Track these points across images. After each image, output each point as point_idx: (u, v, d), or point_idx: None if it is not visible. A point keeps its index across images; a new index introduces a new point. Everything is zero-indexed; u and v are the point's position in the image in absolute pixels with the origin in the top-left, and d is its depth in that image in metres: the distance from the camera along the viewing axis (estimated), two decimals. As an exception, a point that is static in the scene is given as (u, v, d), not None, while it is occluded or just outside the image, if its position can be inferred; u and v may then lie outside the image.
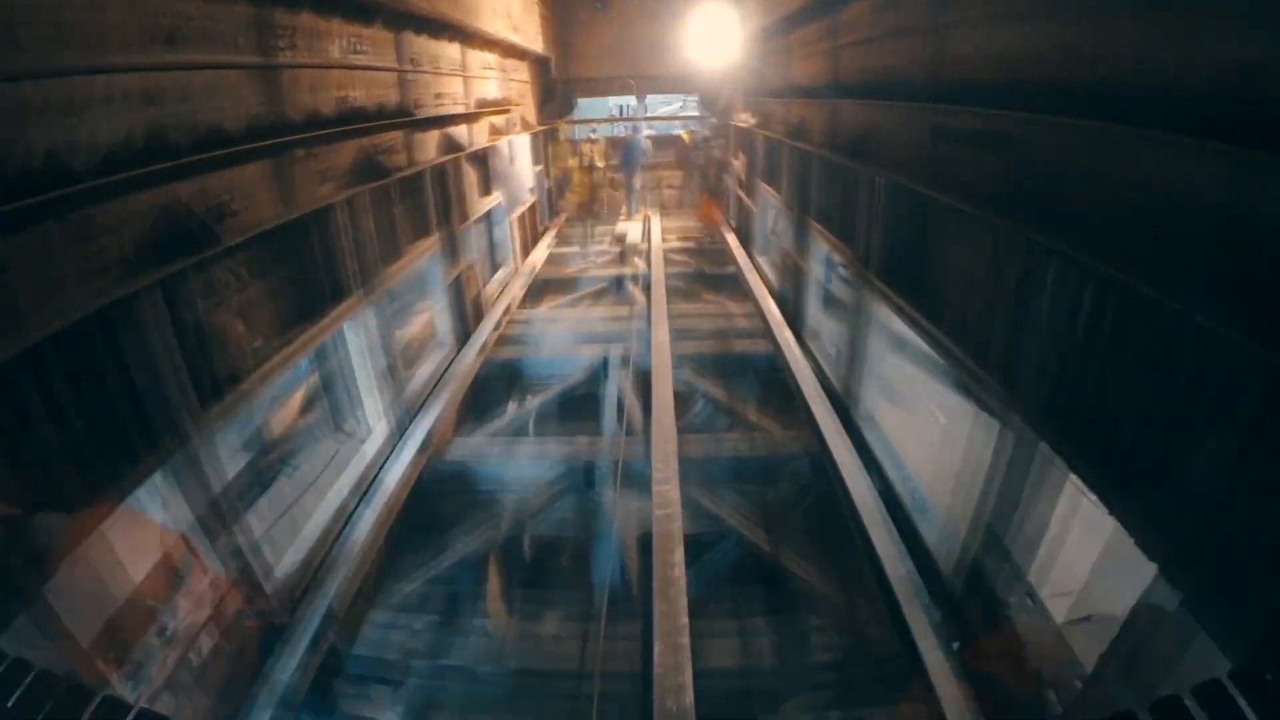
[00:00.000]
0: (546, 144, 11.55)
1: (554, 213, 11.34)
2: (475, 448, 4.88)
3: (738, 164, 9.72)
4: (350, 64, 4.57)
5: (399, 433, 4.84)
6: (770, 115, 7.99)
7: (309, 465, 4.41)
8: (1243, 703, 1.09)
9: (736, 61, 9.98)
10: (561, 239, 10.68)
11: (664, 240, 10.02)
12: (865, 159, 4.33)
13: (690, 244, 9.90)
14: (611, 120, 14.32)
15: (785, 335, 6.02)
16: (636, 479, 4.48)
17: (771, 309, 6.67)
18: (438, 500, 4.80)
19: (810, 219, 5.84)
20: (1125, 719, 1.16)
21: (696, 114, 14.71)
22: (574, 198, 11.73)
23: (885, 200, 3.95)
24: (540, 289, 8.55)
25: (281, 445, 4.29)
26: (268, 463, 4.14)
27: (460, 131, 7.04)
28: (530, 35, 10.01)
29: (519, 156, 9.38)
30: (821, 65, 5.64)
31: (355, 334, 4.43)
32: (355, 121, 4.52)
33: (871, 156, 4.24)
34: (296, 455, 4.32)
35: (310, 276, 3.94)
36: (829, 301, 5.92)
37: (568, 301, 8.14)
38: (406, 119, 5.35)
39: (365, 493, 4.30)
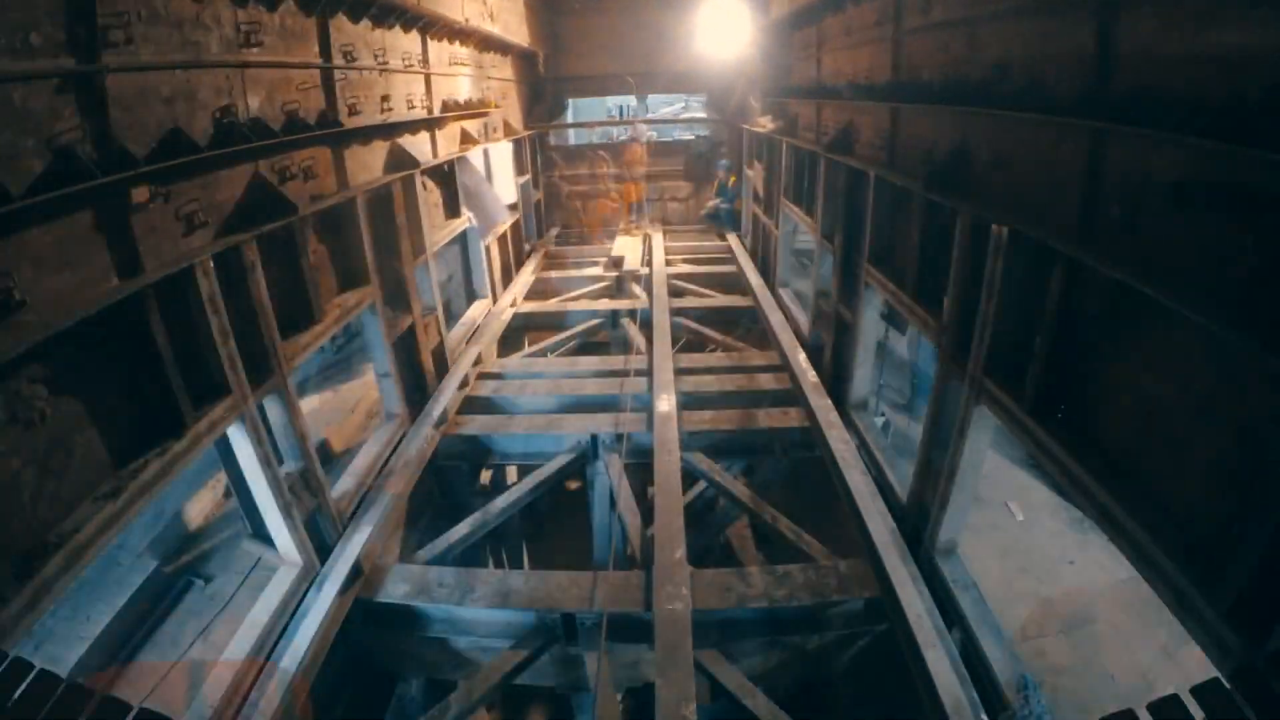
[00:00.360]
0: (534, 150, 10.27)
1: (542, 231, 10.06)
2: (420, 581, 3.62)
3: (752, 174, 8.45)
4: (242, 61, 3.31)
5: (320, 559, 3.59)
6: (795, 119, 6.72)
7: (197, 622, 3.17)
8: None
9: (752, 56, 8.70)
10: (551, 261, 9.40)
11: (667, 262, 8.75)
12: (964, 193, 3.07)
13: (698, 269, 8.62)
14: (609, 123, 12.96)
15: (823, 405, 4.76)
16: (632, 631, 3.25)
17: (802, 364, 5.40)
18: (371, 651, 3.56)
19: (861, 261, 4.56)
20: (1125, 718, 1.19)
21: (703, 115, 13.46)
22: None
23: (1008, 261, 2.68)
24: (520, 329, 7.28)
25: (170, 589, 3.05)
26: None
27: (417, 142, 5.77)
28: (512, 26, 8.73)
29: (499, 167, 8.11)
30: (876, 57, 4.37)
31: (245, 440, 3.16)
32: (250, 139, 3.25)
33: (978, 191, 2.98)
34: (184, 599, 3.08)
35: (155, 380, 2.67)
36: (888, 368, 4.66)
37: (552, 345, 6.88)
38: (332, 131, 4.08)
39: (271, 650, 3.07)
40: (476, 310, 7.28)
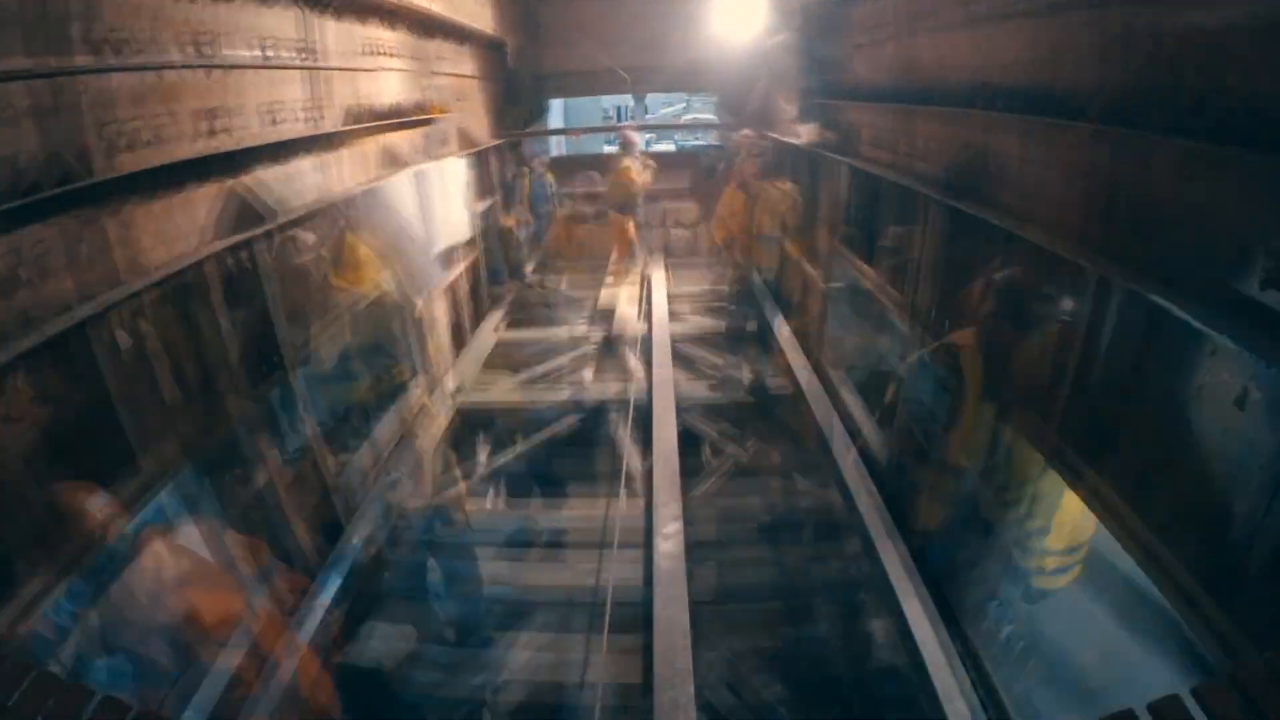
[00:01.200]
0: (505, 165, 8.36)
1: (513, 270, 8.13)
2: None
3: (780, 196, 6.54)
4: None
5: None
6: (854, 132, 4.82)
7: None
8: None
9: (781, 44, 6.78)
10: (519, 312, 7.47)
11: (672, 313, 6.84)
12: None
13: (716, 327, 6.69)
14: (599, 129, 10.86)
15: (919, 616, 2.86)
16: None
17: (875, 516, 3.49)
18: None
19: (1018, 413, 2.65)
20: (1125, 718, 1.14)
21: (712, 119, 11.58)
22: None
23: None
24: (465, 434, 5.36)
25: None
26: None
27: (287, 176, 3.87)
28: (470, 8, 6.84)
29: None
30: (1054, 39, 2.48)
31: None
32: None
33: None
34: None
35: None
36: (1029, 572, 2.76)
37: (506, 468, 4.97)
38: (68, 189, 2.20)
39: None
40: (398, 410, 5.35)
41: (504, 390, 5.87)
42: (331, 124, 4.44)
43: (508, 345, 6.71)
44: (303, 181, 4.16)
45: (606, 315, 6.69)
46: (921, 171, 3.76)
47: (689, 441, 4.97)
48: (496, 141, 8.07)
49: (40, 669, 1.34)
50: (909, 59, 4.04)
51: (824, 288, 5.15)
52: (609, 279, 7.59)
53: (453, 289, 6.49)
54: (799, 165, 6.32)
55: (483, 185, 7.50)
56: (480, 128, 7.78)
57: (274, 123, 3.75)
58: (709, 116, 19.47)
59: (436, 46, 6.45)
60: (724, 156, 8.49)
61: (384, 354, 5.29)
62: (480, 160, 7.38)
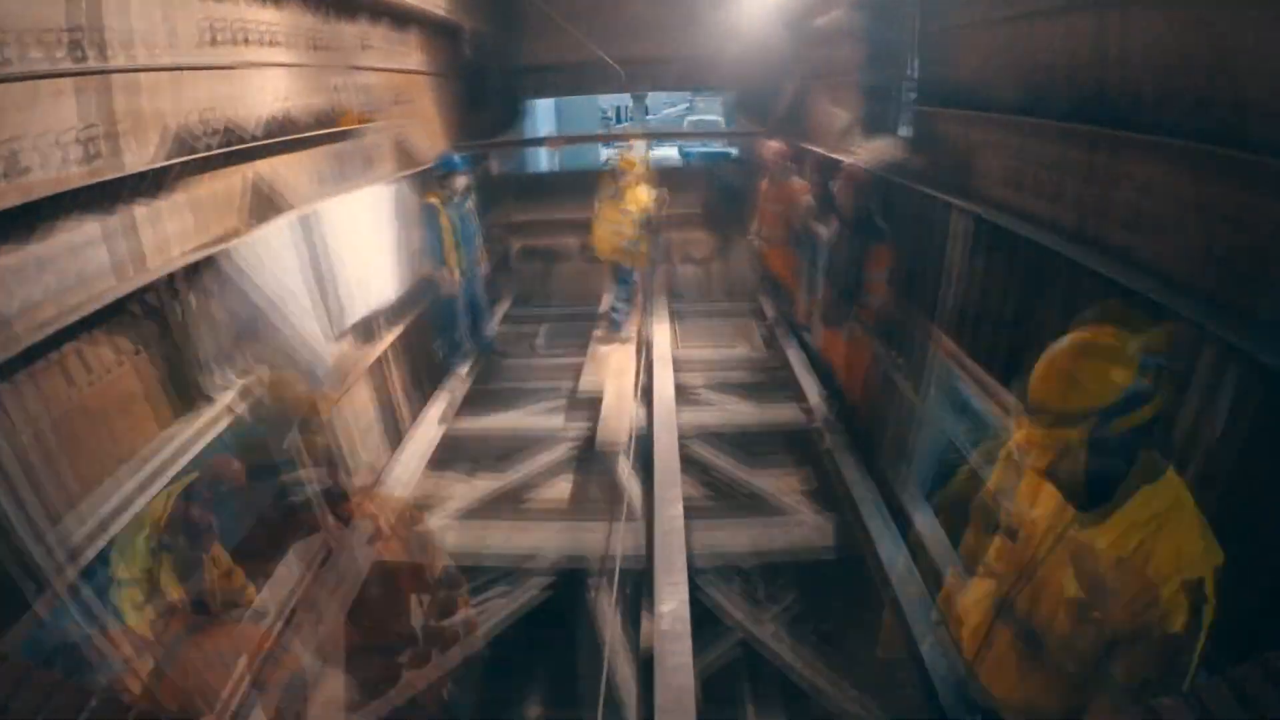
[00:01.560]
0: (467, 185, 6.65)
1: (474, 329, 6.44)
2: None
3: (825, 238, 4.83)
4: None
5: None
6: (967, 156, 3.14)
7: None
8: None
9: (827, 29, 5.09)
10: (482, 384, 5.77)
11: (680, 391, 5.16)
12: None
13: (745, 419, 4.99)
14: (582, 139, 8.96)
15: None
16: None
17: None
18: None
19: None
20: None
21: (719, 121, 9.91)
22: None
23: None
24: (385, 595, 3.67)
25: None
26: None
27: (24, 265, 2.18)
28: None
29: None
30: None
31: None
32: None
33: None
34: None
35: None
36: None
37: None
38: None
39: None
40: (306, 551, 3.67)
41: (445, 521, 4.19)
42: (140, 159, 2.76)
43: (459, 440, 5.02)
44: (77, 264, 2.50)
45: (591, 397, 5.00)
46: (1134, 251, 2.11)
47: (708, 626, 3.34)
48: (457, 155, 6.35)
49: (40, 669, 1.41)
50: (1099, 48, 2.35)
51: (916, 404, 3.45)
52: (598, 342, 5.86)
53: (380, 365, 4.80)
54: (858, 194, 4.62)
55: (430, 217, 5.78)
56: (431, 138, 6.09)
57: (11, 172, 2.10)
58: (714, 118, 17.68)
59: (359, 31, 4.76)
60: (744, 171, 6.77)
61: (259, 491, 3.60)
62: (420, 183, 5.67)
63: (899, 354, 3.86)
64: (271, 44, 3.76)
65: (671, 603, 3.24)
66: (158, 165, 2.81)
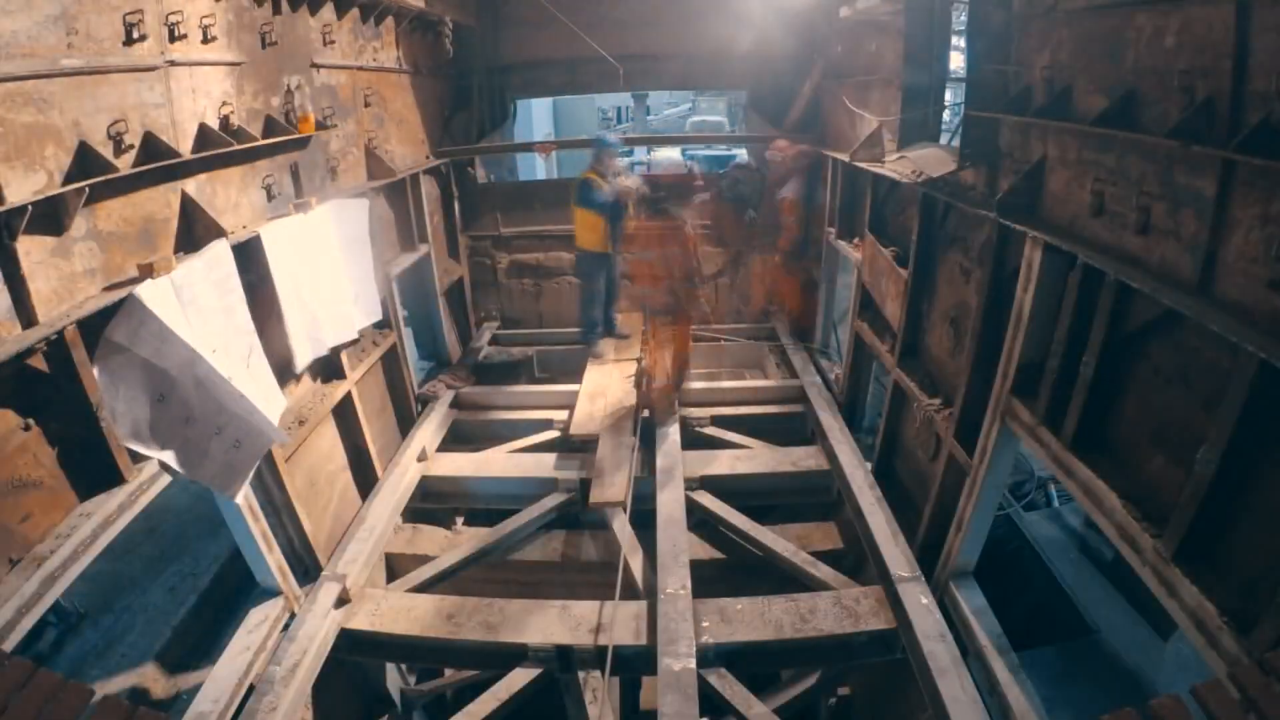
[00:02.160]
0: (449, 196, 6.18)
1: (464, 341, 5.94)
2: None
3: (868, 268, 4.38)
4: None
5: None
6: (1038, 178, 2.67)
7: None
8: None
9: (858, 20, 4.61)
10: (463, 424, 5.28)
11: (687, 442, 4.71)
12: None
13: (759, 464, 4.50)
14: (573, 143, 8.28)
15: None
16: None
17: None
18: None
19: None
20: (1125, 718, 1.20)
21: (723, 122, 9.47)
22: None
23: None
24: (345, 691, 3.23)
25: None
26: None
27: None
28: (375, -35, 4.68)
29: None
30: None
31: None
32: None
33: None
34: None
35: None
36: None
37: None
38: None
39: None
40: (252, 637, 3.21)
41: (419, 590, 3.72)
42: (26, 188, 2.29)
43: (438, 485, 4.54)
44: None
45: (586, 441, 4.50)
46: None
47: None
48: (434, 163, 5.87)
49: (40, 669, 1.37)
50: (1234, 47, 1.87)
51: (977, 483, 2.96)
52: (588, 376, 5.33)
53: (348, 403, 4.31)
54: (897, 205, 4.14)
55: (404, 231, 5.30)
56: (408, 144, 5.61)
57: None
58: (717, 118, 17.12)
59: (321, 23, 4.26)
60: (756, 180, 6.29)
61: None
62: (398, 194, 5.19)
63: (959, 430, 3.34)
64: (208, 40, 3.27)
65: (677, 700, 2.79)
66: (49, 194, 2.33)
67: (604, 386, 5.10)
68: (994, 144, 2.99)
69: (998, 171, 3.02)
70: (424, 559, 4.23)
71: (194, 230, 3.16)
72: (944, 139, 4.34)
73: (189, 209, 3.13)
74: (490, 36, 6.65)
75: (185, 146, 3.13)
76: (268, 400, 3.23)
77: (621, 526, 3.95)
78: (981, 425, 3.00)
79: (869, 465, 4.38)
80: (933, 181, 3.30)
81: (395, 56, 5.44)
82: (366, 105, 4.87)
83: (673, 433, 4.62)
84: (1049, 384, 2.57)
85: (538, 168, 10.43)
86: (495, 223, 6.47)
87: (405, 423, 5.15)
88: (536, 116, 12.67)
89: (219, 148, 3.23)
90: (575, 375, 5.60)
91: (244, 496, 3.18)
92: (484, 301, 6.68)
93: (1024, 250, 2.61)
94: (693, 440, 4.73)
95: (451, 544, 4.38)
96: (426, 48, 5.94)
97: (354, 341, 4.39)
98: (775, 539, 3.90)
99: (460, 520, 5.28)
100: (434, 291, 5.73)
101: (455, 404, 5.26)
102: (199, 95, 3.23)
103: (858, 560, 4.05)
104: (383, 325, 4.73)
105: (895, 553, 3.57)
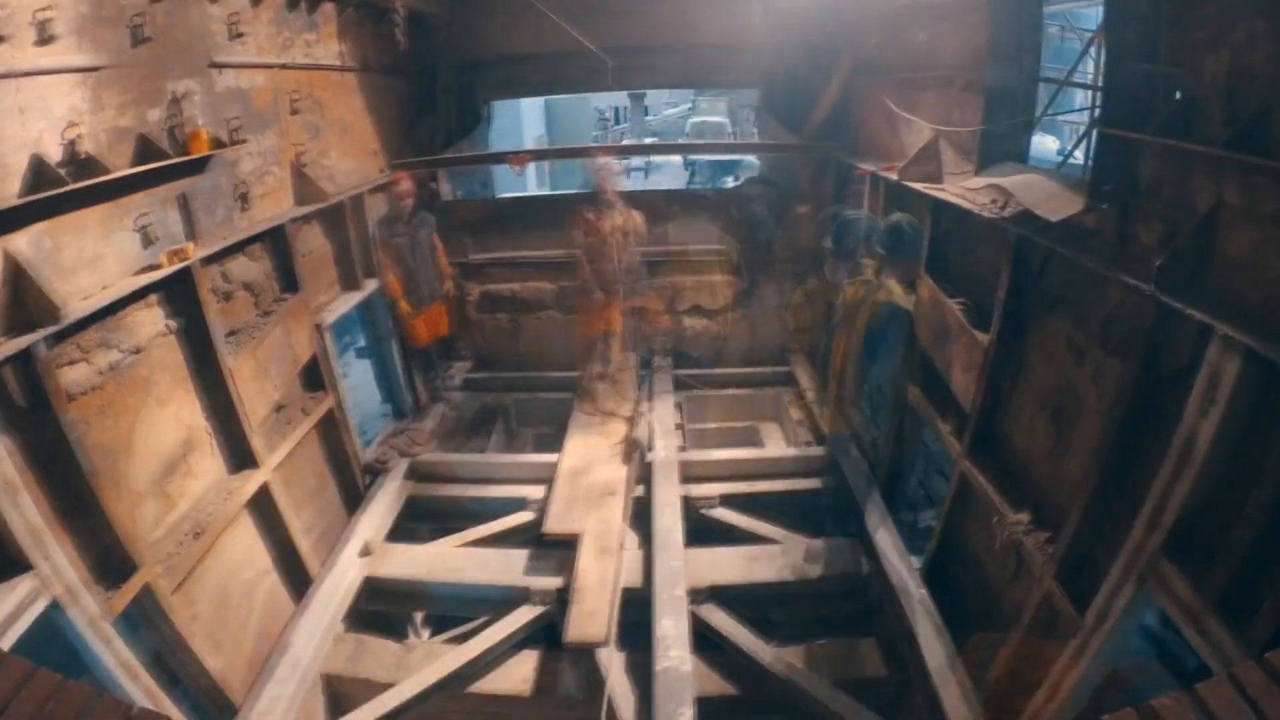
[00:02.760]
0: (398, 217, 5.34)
1: (418, 401, 5.13)
2: None
3: (933, 331, 3.59)
4: None
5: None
6: (1205, 235, 1.85)
7: None
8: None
9: (898, 8, 3.82)
10: (417, 504, 4.49)
11: (691, 537, 3.95)
12: None
13: (781, 569, 3.70)
14: (560, 152, 7.48)
15: None
16: None
17: None
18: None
19: None
20: (1125, 718, 1.20)
21: (725, 124, 8.73)
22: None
23: None
24: None
25: None
26: None
27: None
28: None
29: (243, 311, 3.23)
30: None
31: None
32: None
33: None
34: None
35: None
36: None
37: None
38: None
39: None
40: None
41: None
42: None
43: (386, 586, 3.76)
44: None
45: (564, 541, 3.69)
46: None
47: None
48: (383, 180, 5.04)
49: (40, 669, 1.36)
50: None
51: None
52: (569, 444, 4.49)
53: (266, 494, 3.50)
54: (957, 255, 3.33)
55: (344, 265, 4.48)
56: (354, 156, 4.80)
57: None
58: (719, 119, 16.08)
59: (219, 11, 3.44)
60: (772, 196, 5.46)
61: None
62: (335, 221, 4.37)
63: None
64: (46, 40, 2.46)
65: None
66: None
67: (589, 459, 4.29)
68: (1129, 176, 2.19)
69: (1133, 216, 2.22)
70: (369, 684, 3.46)
71: (26, 299, 2.37)
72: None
73: (18, 271, 2.33)
74: (458, 27, 5.82)
75: (10, 188, 2.34)
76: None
77: (609, 655, 3.18)
78: (1102, 577, 2.21)
79: (918, 566, 3.60)
80: (1033, 221, 2.50)
81: (337, 51, 4.63)
82: (294, 113, 4.06)
83: (674, 520, 3.82)
84: (1232, 556, 1.77)
85: (529, 181, 9.56)
86: (464, 248, 5.63)
87: (352, 497, 4.36)
88: (527, 119, 11.78)
89: (58, 186, 2.44)
90: (559, 426, 4.82)
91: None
92: (456, 339, 5.86)
93: (1204, 350, 1.82)
94: (698, 528, 3.94)
95: (401, 663, 3.60)
96: (380, 40, 5.12)
97: (275, 410, 3.58)
98: (802, 670, 3.12)
99: (419, 618, 4.51)
100: (387, 334, 4.91)
101: (411, 474, 4.46)
102: (31, 116, 2.43)
103: (901, 688, 3.28)
104: (315, 388, 3.92)
105: (960, 706, 2.79)
